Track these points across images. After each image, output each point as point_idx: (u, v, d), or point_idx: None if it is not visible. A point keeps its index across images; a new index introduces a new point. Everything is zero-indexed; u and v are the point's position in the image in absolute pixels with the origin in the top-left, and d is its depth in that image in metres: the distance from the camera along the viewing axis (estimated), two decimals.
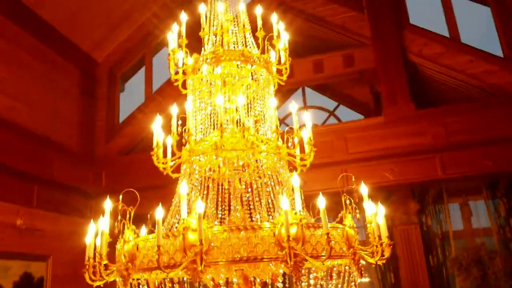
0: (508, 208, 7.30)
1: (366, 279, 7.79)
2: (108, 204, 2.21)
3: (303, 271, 2.26)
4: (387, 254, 2.23)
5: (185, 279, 2.37)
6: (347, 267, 2.28)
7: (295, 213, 1.97)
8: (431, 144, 6.37)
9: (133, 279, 2.28)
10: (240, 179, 2.56)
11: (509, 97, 6.44)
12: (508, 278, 6.48)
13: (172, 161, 2.57)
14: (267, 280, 2.27)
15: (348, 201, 2.28)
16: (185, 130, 2.49)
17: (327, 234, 1.93)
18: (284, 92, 8.80)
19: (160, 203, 1.98)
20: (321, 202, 1.97)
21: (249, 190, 2.54)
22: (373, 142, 6.51)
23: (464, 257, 6.64)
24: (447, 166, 6.43)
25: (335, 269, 2.30)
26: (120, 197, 2.23)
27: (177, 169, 2.65)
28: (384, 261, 2.25)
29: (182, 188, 1.94)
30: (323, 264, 2.20)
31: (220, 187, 2.56)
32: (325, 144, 6.21)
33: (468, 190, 7.62)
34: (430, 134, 6.38)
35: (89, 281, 2.39)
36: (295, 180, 1.99)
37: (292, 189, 2.06)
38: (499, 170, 6.54)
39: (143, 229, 2.47)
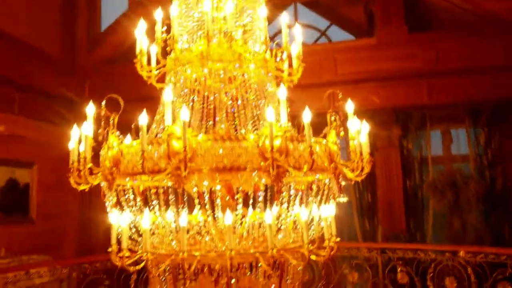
0: (488, 137, 7.48)
1: (344, 199, 8.14)
2: (91, 108, 2.17)
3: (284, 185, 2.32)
4: (366, 170, 2.27)
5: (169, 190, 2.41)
6: (327, 181, 2.33)
7: (280, 126, 1.97)
8: (420, 68, 6.33)
9: (118, 186, 2.32)
10: (226, 92, 2.52)
11: (503, 25, 6.32)
12: (479, 202, 6.82)
13: (156, 69, 2.50)
14: (249, 192, 2.32)
15: (333, 118, 2.28)
16: (170, 37, 2.39)
17: (310, 147, 1.94)
18: (275, 5, 8.46)
19: (144, 110, 1.96)
20: (306, 116, 1.96)
21: (236, 103, 2.51)
22: (362, 63, 6.43)
23: (440, 180, 6.91)
24: (434, 92, 6.45)
25: (314, 186, 2.34)
26: (103, 102, 2.19)
27: (162, 79, 2.59)
28: (363, 177, 2.30)
29: (167, 94, 1.90)
30: (304, 175, 2.24)
31: (205, 100, 2.53)
32: (314, 64, 6.10)
33: (450, 118, 7.74)
34: (421, 59, 6.31)
35: (74, 185, 2.42)
36: (282, 92, 1.96)
37: (278, 102, 2.04)
38: (483, 99, 6.61)
39: (128, 138, 2.46)
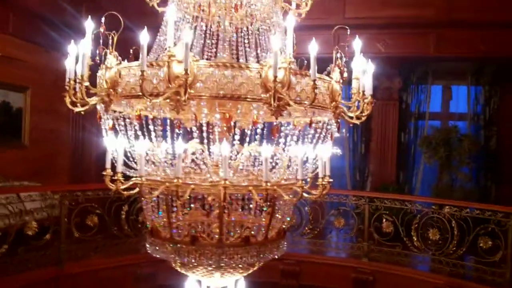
0: (488, 96, 7.43)
1: (338, 151, 8.16)
2: (89, 25, 2.07)
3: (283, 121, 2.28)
4: (367, 112, 2.22)
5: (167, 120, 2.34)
6: (326, 120, 2.28)
7: (284, 58, 1.89)
8: (431, 18, 6.10)
9: (114, 112, 2.26)
10: (230, 22, 2.41)
11: None
12: (470, 160, 6.88)
13: None
14: (246, 130, 2.27)
15: (338, 55, 2.19)
16: None
17: (314, 81, 1.88)
18: None
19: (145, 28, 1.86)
20: (313, 48, 1.88)
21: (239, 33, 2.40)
22: (372, 8, 6.18)
23: (435, 137, 6.92)
24: (441, 44, 6.28)
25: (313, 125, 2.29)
26: (103, 19, 2.08)
27: (164, 3, 2.46)
28: (362, 120, 2.25)
29: (170, 13, 1.80)
30: (303, 113, 2.19)
31: (208, 29, 2.42)
32: (321, 4, 5.88)
33: (453, 74, 7.63)
34: (434, 7, 6.07)
35: (69, 105, 2.35)
36: (290, 20, 1.87)
37: (285, 32, 1.95)
38: (490, 56, 6.47)
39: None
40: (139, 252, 4.85)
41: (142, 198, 2.37)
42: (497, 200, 6.78)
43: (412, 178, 7.72)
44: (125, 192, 2.21)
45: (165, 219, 2.32)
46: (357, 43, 2.24)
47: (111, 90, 2.02)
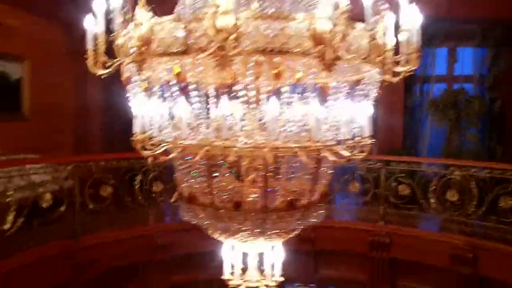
0: (495, 58, 7.32)
1: None
2: None
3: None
4: (414, 66, 2.08)
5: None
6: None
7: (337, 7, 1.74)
8: None
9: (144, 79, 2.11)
10: None
11: None
12: (478, 121, 6.83)
13: None
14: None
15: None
16: None
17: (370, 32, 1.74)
18: None
19: None
20: None
21: None
22: None
23: (443, 99, 6.83)
24: (454, 4, 6.11)
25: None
26: None
27: None
28: (405, 75, 2.13)
29: None
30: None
31: None
32: None
33: (461, 35, 7.46)
34: None
35: (92, 67, 2.21)
36: None
37: None
38: (500, 16, 6.31)
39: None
40: (153, 222, 4.78)
41: (179, 163, 2.26)
42: (503, 161, 6.77)
43: (418, 142, 7.67)
44: (161, 158, 2.10)
45: (204, 185, 2.24)
46: None
47: (143, 48, 1.87)
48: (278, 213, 2.13)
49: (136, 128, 2.14)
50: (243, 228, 2.16)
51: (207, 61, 1.87)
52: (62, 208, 4.08)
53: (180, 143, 1.99)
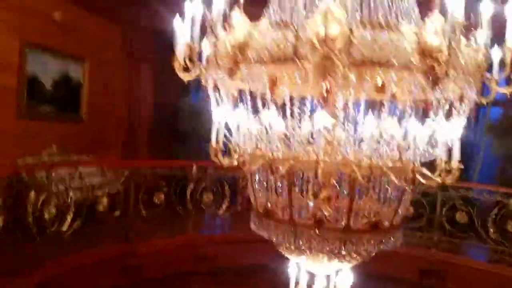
0: None
1: None
2: None
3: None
4: None
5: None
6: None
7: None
8: None
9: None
10: None
11: None
12: None
13: None
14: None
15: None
16: None
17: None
18: None
19: None
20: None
21: None
22: None
23: (502, 124, 6.55)
24: None
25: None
26: None
27: None
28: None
29: None
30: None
31: None
32: None
33: None
34: None
35: (180, 71, 2.20)
36: None
37: None
38: None
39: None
40: (201, 232, 4.74)
41: (256, 176, 2.20)
42: None
43: (469, 169, 7.36)
44: (244, 168, 2.05)
45: (283, 200, 2.17)
46: None
47: (238, 55, 1.82)
48: (360, 235, 2.03)
49: (213, 137, 2.11)
50: (321, 247, 2.07)
51: (308, 71, 1.81)
52: (117, 213, 4.09)
53: (267, 155, 1.93)
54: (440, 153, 1.98)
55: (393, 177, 1.85)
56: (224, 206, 4.85)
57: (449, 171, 1.95)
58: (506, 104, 7.57)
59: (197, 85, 9.04)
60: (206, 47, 2.01)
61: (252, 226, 2.30)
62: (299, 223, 2.04)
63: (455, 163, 1.93)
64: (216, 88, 2.15)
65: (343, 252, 2.08)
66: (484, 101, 2.10)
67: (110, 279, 3.95)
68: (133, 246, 4.21)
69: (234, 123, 2.15)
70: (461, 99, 1.94)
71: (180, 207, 4.67)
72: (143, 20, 5.99)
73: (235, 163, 2.09)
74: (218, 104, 2.16)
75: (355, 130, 1.93)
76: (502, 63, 1.98)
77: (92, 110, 6.31)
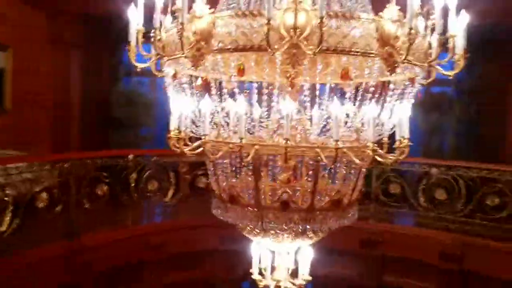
0: (472, 62, 7.60)
1: None
2: None
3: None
4: (461, 65, 2.07)
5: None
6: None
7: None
8: None
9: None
10: None
11: None
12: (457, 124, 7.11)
13: None
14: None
15: None
16: None
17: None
18: None
19: None
20: None
21: None
22: None
23: (427, 102, 7.08)
24: None
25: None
26: None
27: None
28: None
29: None
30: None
31: None
32: None
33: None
34: None
35: (134, 61, 2.16)
36: None
37: None
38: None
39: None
40: (148, 221, 4.67)
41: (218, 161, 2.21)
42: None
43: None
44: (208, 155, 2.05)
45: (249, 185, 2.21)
46: None
47: (202, 43, 1.81)
48: (323, 213, 2.13)
49: (173, 125, 2.10)
50: (287, 228, 2.15)
51: (272, 59, 1.85)
52: (58, 208, 3.89)
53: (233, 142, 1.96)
54: (389, 133, 2.13)
55: (354, 158, 1.95)
56: (170, 193, 4.80)
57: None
58: (429, 83, 8.15)
59: (128, 71, 8.87)
60: (166, 35, 1.97)
61: (216, 212, 2.33)
62: (265, 206, 2.11)
63: (406, 141, 2.05)
64: (174, 76, 2.13)
65: (308, 231, 2.19)
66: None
67: (56, 277, 3.78)
68: (78, 241, 4.04)
69: (196, 111, 2.16)
70: (412, 82, 2.09)
71: (125, 197, 4.55)
72: (72, 6, 5.66)
73: (198, 150, 2.09)
74: (178, 92, 2.14)
75: (320, 114, 2.02)
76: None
77: (17, 101, 5.85)
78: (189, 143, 2.18)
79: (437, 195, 5.04)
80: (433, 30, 2.02)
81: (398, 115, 1.99)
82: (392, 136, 2.01)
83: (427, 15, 2.01)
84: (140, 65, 2.23)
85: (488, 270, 4.59)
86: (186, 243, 4.63)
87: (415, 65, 1.94)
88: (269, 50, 1.63)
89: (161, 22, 2.03)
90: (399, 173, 5.29)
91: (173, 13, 1.96)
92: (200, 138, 2.13)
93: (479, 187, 4.80)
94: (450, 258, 4.77)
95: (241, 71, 1.84)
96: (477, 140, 7.34)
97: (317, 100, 1.99)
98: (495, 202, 4.72)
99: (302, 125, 1.97)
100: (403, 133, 1.94)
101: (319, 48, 1.60)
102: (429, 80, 2.22)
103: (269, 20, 1.57)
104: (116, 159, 4.49)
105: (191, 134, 2.15)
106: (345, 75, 1.82)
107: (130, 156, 4.60)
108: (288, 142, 1.82)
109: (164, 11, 2.02)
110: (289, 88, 1.86)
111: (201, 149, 2.07)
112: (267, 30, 1.58)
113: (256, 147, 1.92)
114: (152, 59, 2.23)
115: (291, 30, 1.64)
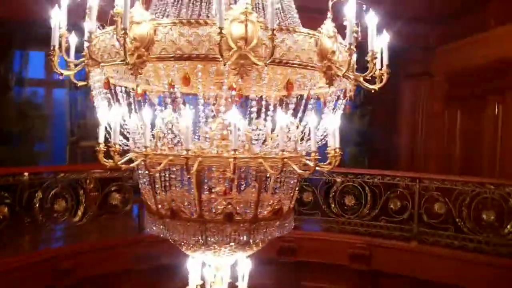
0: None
1: None
2: None
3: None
4: (384, 79, 2.21)
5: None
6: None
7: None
8: None
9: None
10: None
11: None
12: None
13: None
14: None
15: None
16: None
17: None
18: None
19: None
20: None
21: None
22: None
23: None
24: None
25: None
26: None
27: None
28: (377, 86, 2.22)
29: None
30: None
31: None
32: None
33: None
34: None
35: (57, 68, 2.01)
36: None
37: None
38: None
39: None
40: (57, 243, 4.26)
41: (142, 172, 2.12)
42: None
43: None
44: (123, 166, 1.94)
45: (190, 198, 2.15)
46: None
47: (143, 50, 1.74)
48: (266, 222, 2.15)
49: (100, 138, 1.97)
50: (231, 240, 2.13)
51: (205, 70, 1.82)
52: None
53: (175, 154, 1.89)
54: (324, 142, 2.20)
55: (294, 167, 1.99)
56: (79, 213, 4.45)
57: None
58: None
59: (19, 80, 8.09)
60: (102, 41, 1.85)
61: (153, 229, 2.22)
62: (208, 219, 2.06)
63: (338, 150, 2.11)
64: (107, 85, 2.01)
65: (252, 242, 2.19)
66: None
67: None
68: None
69: (131, 122, 2.05)
70: (344, 94, 2.21)
71: (29, 219, 4.10)
72: None
73: (136, 163, 1.98)
74: (109, 103, 2.02)
75: (264, 125, 2.03)
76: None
77: None
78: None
79: (347, 201, 5.38)
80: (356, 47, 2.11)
81: (330, 125, 2.05)
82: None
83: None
84: (65, 72, 2.07)
85: (393, 268, 5.00)
86: (100, 264, 4.32)
87: (348, 78, 2.07)
88: (221, 59, 1.61)
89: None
90: (311, 181, 5.54)
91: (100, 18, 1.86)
92: (126, 151, 2.03)
93: (383, 193, 5.22)
94: (359, 259, 5.11)
95: (186, 80, 1.79)
96: (372, 149, 8.00)
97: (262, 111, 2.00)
98: (398, 205, 5.16)
99: (247, 136, 1.96)
100: (336, 143, 2.01)
101: (270, 59, 1.62)
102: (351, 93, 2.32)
103: (221, 29, 1.56)
104: (14, 177, 4.03)
105: (120, 147, 2.01)
106: (290, 87, 1.86)
107: (25, 175, 4.13)
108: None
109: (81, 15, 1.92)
110: (236, 99, 1.85)
111: (136, 162, 1.97)
112: (220, 39, 1.56)
113: (200, 159, 1.89)
114: (78, 67, 2.10)
115: (239, 41, 1.65)
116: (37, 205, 4.14)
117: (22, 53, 8.07)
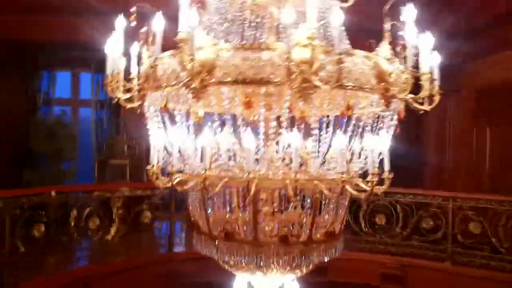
0: None
1: None
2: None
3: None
4: (437, 99, 2.17)
5: None
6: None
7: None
8: None
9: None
10: None
11: None
12: None
13: None
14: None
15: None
16: None
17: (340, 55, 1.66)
18: None
19: None
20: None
21: None
22: None
23: None
24: None
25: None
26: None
27: None
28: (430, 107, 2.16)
29: None
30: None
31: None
32: None
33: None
34: None
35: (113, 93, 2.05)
36: None
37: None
38: None
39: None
40: (86, 261, 4.28)
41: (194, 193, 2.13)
42: None
43: None
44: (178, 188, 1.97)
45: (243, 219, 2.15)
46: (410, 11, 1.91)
47: (205, 74, 1.77)
48: (318, 245, 2.14)
49: (153, 159, 2.02)
50: (286, 262, 2.12)
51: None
52: None
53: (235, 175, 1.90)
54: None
55: (350, 189, 1.98)
56: (112, 231, 4.47)
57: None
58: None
59: (46, 100, 8.24)
60: (162, 65, 1.89)
61: (204, 250, 2.21)
62: (263, 241, 2.05)
63: (387, 173, 2.08)
64: (165, 108, 2.04)
65: (304, 264, 2.17)
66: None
67: None
68: None
69: (186, 144, 2.06)
70: (398, 115, 2.20)
71: (65, 237, 4.13)
72: None
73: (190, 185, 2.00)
74: (163, 126, 2.06)
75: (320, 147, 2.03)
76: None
77: None
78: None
79: (377, 220, 5.30)
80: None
81: (381, 147, 2.03)
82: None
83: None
84: (123, 96, 2.10)
85: None
86: (128, 283, 4.32)
87: (403, 100, 2.06)
88: (287, 84, 1.62)
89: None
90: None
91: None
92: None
93: (415, 211, 5.14)
94: (391, 279, 5.01)
95: (249, 103, 1.81)
96: (398, 165, 7.88)
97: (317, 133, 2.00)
98: (430, 224, 5.07)
99: (304, 158, 1.96)
100: (386, 165, 1.99)
101: (337, 83, 1.63)
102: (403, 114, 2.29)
103: (288, 54, 1.57)
104: (50, 196, 4.07)
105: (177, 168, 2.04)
106: (348, 109, 1.87)
107: (53, 193, 4.15)
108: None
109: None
110: (299, 122, 1.86)
111: (191, 183, 1.99)
112: (288, 64, 1.58)
113: (256, 181, 1.89)
114: (133, 91, 2.13)
115: (302, 64, 1.65)
116: (72, 223, 4.17)
117: (49, 73, 8.29)
